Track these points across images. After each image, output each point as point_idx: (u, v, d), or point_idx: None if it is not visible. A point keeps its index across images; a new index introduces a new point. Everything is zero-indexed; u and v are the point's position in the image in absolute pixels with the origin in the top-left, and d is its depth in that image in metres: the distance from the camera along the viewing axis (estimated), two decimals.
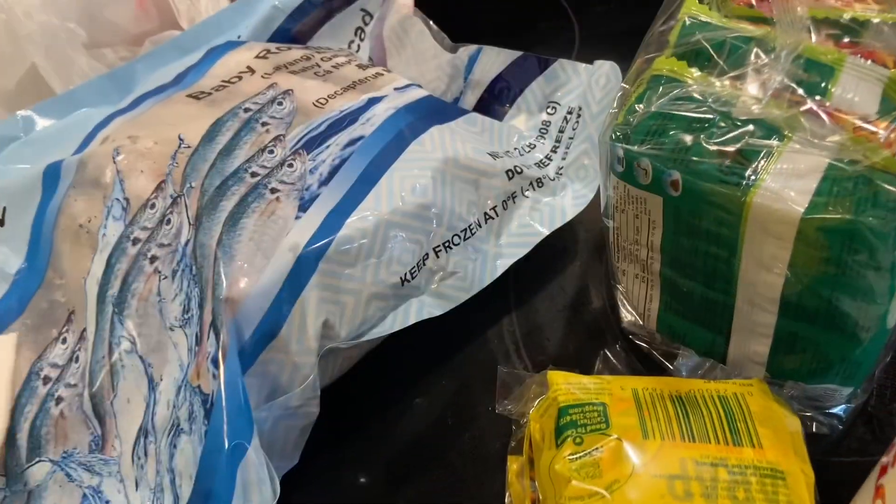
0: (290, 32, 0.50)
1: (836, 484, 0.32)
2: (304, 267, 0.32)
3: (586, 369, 0.35)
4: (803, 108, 0.26)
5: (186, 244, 0.32)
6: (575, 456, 0.25)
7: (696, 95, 0.28)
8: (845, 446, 0.33)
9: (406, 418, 0.37)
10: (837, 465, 0.33)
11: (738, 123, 0.27)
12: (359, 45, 0.49)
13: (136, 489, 0.30)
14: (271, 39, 0.49)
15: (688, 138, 0.27)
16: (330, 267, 0.32)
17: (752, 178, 0.26)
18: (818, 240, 0.26)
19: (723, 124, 0.26)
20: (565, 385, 0.28)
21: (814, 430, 0.34)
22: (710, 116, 0.27)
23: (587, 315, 0.40)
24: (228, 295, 0.31)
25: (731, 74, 0.26)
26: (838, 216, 0.25)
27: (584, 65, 0.42)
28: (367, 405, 0.37)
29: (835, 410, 0.33)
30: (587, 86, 0.41)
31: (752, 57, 0.26)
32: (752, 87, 0.26)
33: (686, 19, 0.29)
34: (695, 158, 0.27)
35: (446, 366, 0.39)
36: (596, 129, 0.40)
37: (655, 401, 0.27)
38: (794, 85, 0.26)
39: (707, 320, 0.33)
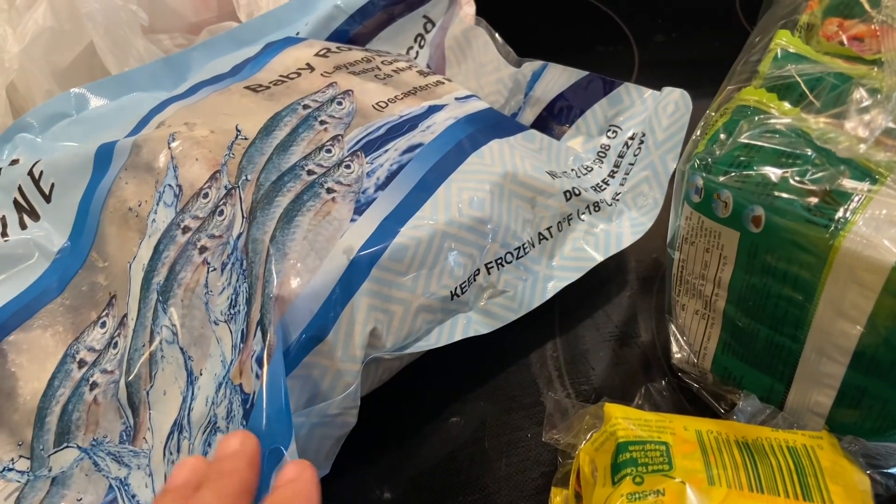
0: (349, 34, 0.49)
1: None
2: (356, 271, 0.31)
3: (631, 403, 0.34)
4: None
5: (238, 237, 0.32)
6: (634, 496, 0.24)
7: (786, 130, 0.27)
8: None
9: (440, 436, 0.36)
10: None
11: (830, 163, 0.25)
12: (417, 52, 0.49)
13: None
14: (329, 39, 0.49)
15: (775, 173, 0.26)
16: (382, 274, 0.31)
17: (842, 221, 0.25)
18: None
19: (816, 162, 0.25)
20: (624, 420, 0.27)
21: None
22: (802, 152, 0.26)
23: (634, 347, 0.38)
24: (279, 293, 0.30)
25: (830, 112, 0.25)
26: None
27: (650, 90, 0.41)
28: (401, 419, 0.36)
29: (893, 471, 0.32)
30: (653, 112, 0.40)
31: (856, 96, 0.25)
32: (853, 128, 0.24)
33: (778, 51, 0.28)
34: (781, 195, 0.26)
35: (485, 386, 0.37)
36: (660, 157, 0.39)
37: (721, 445, 0.25)
38: None
39: (768, 365, 0.32)
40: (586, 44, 0.55)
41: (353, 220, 0.32)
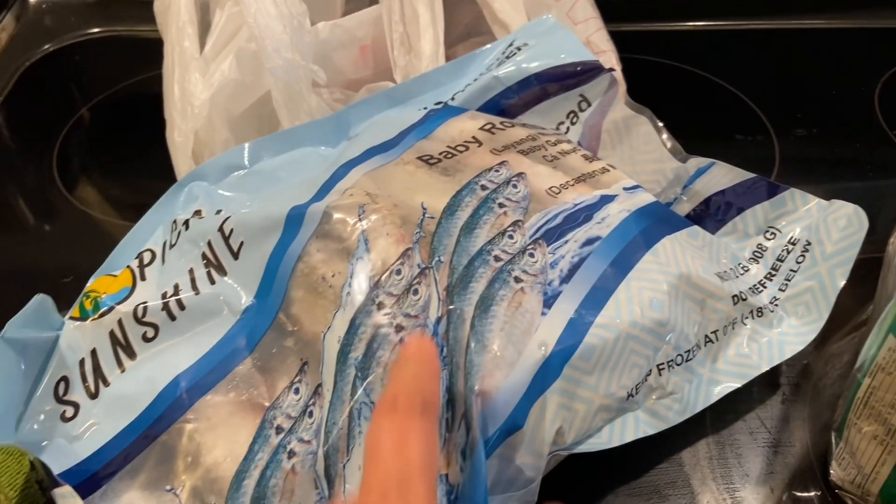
0: (502, 105, 0.50)
1: None
2: (550, 368, 0.32)
3: None
4: None
5: (438, 323, 0.33)
6: None
7: None
8: None
9: None
10: None
11: None
12: (568, 128, 0.50)
13: None
14: (482, 109, 0.50)
15: None
16: (572, 373, 0.32)
17: None
18: None
19: None
20: None
21: None
22: None
23: (788, 456, 0.38)
24: (481, 388, 0.30)
25: None
26: None
27: (817, 199, 0.41)
28: None
29: None
30: (820, 221, 0.41)
31: None
32: None
33: None
34: None
35: (640, 483, 0.38)
36: (828, 270, 0.39)
37: None
38: None
39: None
40: (726, 131, 0.56)
41: (543, 314, 0.33)
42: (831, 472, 0.36)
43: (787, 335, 0.39)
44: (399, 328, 0.33)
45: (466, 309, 0.33)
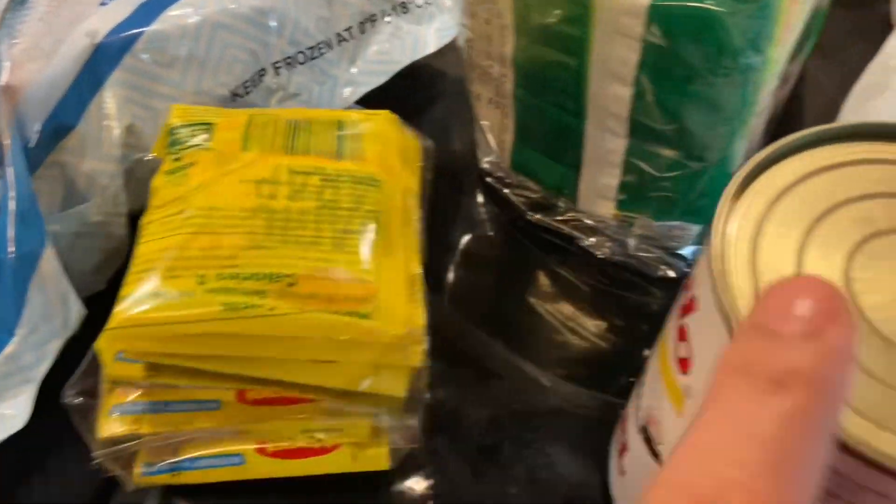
0: None
1: None
2: (104, 57, 0.27)
3: (444, 214, 0.33)
4: None
5: None
6: (170, 171, 0.25)
7: None
8: None
9: None
10: None
11: None
12: None
13: None
14: None
15: None
16: (138, 63, 0.28)
17: None
18: (667, 35, 0.23)
19: None
20: (181, 111, 0.27)
21: (659, 273, 0.33)
22: None
23: (445, 156, 0.37)
24: (9, 81, 0.26)
25: None
26: (687, 3, 0.22)
27: None
28: None
29: (683, 252, 0.32)
30: None
31: None
32: None
33: None
34: None
35: None
36: None
37: (268, 123, 0.27)
38: None
39: (559, 152, 0.31)
40: None
41: (103, 4, 0.29)
42: (480, 162, 0.35)
43: (434, 30, 0.37)
44: None
45: None
